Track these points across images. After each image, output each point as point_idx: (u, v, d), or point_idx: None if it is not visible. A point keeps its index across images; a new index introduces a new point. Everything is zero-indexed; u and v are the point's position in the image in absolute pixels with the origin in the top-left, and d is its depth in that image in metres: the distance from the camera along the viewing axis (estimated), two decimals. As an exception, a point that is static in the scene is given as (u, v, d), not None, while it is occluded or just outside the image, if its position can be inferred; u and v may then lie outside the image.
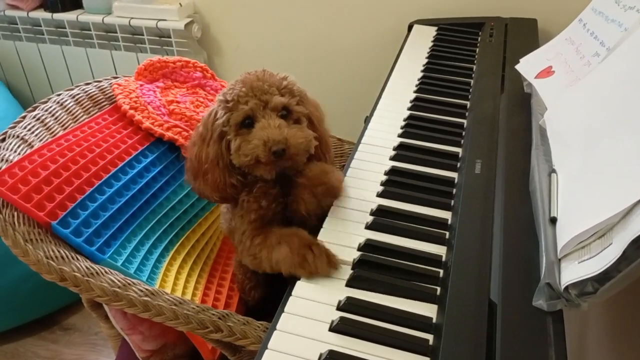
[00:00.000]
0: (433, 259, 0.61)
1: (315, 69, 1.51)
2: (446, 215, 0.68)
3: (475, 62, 1.08)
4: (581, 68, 0.74)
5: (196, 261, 0.88)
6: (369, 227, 0.66)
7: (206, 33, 1.55)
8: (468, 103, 0.93)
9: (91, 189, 0.78)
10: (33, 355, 1.40)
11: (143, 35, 1.52)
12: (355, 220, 0.67)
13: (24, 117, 0.81)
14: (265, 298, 0.86)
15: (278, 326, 0.53)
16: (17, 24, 1.63)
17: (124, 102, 0.91)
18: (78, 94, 0.90)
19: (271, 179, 0.70)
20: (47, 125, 0.82)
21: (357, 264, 0.60)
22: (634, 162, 0.50)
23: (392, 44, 1.27)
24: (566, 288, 0.48)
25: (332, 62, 1.49)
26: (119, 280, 0.66)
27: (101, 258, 0.72)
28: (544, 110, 0.73)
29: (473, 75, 1.03)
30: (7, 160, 0.72)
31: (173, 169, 0.92)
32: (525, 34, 1.14)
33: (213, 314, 0.66)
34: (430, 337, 0.52)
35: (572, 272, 0.49)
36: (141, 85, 0.97)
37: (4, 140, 0.76)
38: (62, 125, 0.84)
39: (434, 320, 0.54)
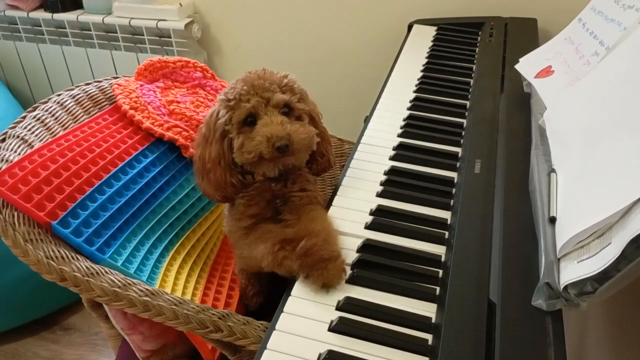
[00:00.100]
0: (432, 259, 0.61)
1: (315, 68, 1.51)
2: (446, 215, 0.68)
3: (475, 61, 1.08)
4: (581, 68, 0.74)
5: (196, 261, 0.88)
6: (368, 227, 0.66)
7: (206, 33, 1.56)
8: (468, 103, 0.93)
9: (91, 189, 0.77)
10: (33, 355, 1.40)
11: (143, 35, 1.52)
12: (354, 220, 0.67)
13: (24, 117, 0.81)
14: (265, 298, 0.86)
15: (277, 326, 0.53)
16: (17, 24, 1.63)
17: (124, 102, 0.91)
18: (78, 94, 0.90)
19: (267, 180, 0.71)
20: (47, 126, 0.82)
21: (356, 264, 0.60)
22: (634, 162, 0.50)
23: (392, 43, 1.27)
24: (565, 288, 0.48)
25: (332, 62, 1.49)
26: (119, 280, 0.66)
27: (101, 258, 0.72)
28: (544, 110, 0.73)
29: (473, 75, 1.03)
30: (7, 161, 0.72)
31: (173, 169, 0.92)
32: (525, 34, 1.14)
33: (213, 314, 0.66)
34: (429, 337, 0.52)
35: (572, 272, 0.49)
36: (141, 86, 0.97)
37: (4, 140, 0.76)
38: (62, 126, 0.84)
39: (433, 320, 0.54)
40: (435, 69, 1.06)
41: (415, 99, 0.95)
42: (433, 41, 1.19)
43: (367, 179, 0.75)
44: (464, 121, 0.88)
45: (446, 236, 0.65)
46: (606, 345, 0.71)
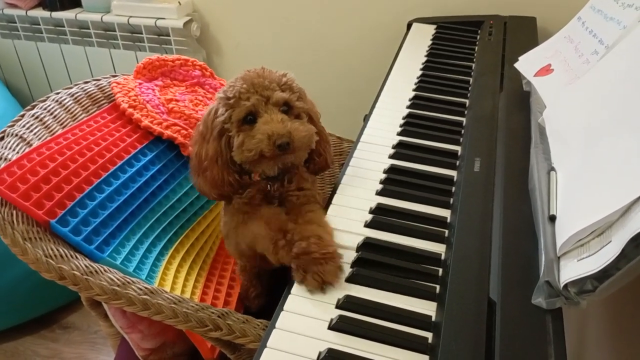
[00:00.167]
0: (432, 257, 0.61)
1: (314, 67, 1.51)
2: (445, 213, 0.68)
3: (475, 60, 1.08)
4: (580, 66, 0.74)
5: (195, 259, 0.88)
6: (368, 225, 0.66)
7: (205, 32, 1.55)
8: (467, 101, 0.93)
9: (90, 188, 0.77)
10: (33, 353, 1.40)
11: (142, 33, 1.52)
12: (354, 219, 0.67)
13: (22, 116, 0.81)
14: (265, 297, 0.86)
15: (277, 324, 0.53)
16: (15, 23, 1.63)
17: (122, 101, 0.91)
18: (77, 92, 0.90)
19: (264, 180, 0.71)
20: (46, 124, 0.82)
21: (356, 262, 0.60)
22: (633, 160, 0.50)
23: (391, 42, 1.27)
24: (565, 286, 0.48)
25: (331, 60, 1.49)
26: (118, 279, 0.66)
27: (100, 256, 0.72)
28: (543, 109, 0.73)
29: (472, 73, 1.03)
30: (5, 159, 0.72)
31: (172, 167, 0.92)
32: (525, 32, 1.14)
33: (212, 312, 0.66)
34: (429, 335, 0.52)
35: (571, 270, 0.49)
36: (140, 84, 0.97)
37: (2, 138, 0.76)
38: (61, 124, 0.84)
39: (433, 319, 0.54)
40: (434, 67, 1.06)
41: (415, 97, 0.95)
42: (432, 40, 1.19)
43: (366, 178, 0.75)
44: (464, 119, 0.88)
45: (446, 234, 0.65)
46: (606, 344, 0.71)
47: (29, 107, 0.83)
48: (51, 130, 0.82)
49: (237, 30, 1.54)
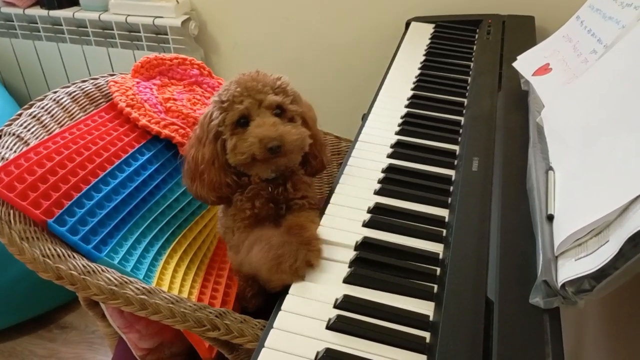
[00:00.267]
0: (430, 257, 0.61)
1: (312, 66, 1.51)
2: (443, 212, 0.68)
3: (473, 59, 1.08)
4: (578, 65, 0.74)
5: (193, 259, 0.88)
6: (366, 224, 0.66)
7: (203, 30, 1.55)
8: (465, 100, 0.93)
9: (88, 187, 0.77)
10: (30, 353, 1.39)
11: (140, 32, 1.52)
12: (352, 218, 0.67)
13: (20, 115, 0.80)
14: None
15: (275, 324, 0.53)
16: (13, 21, 1.62)
17: (120, 100, 0.91)
18: (74, 91, 0.90)
19: (264, 181, 0.71)
20: (43, 123, 0.81)
21: (354, 262, 0.60)
22: (631, 160, 0.50)
23: (390, 41, 1.27)
24: (563, 285, 0.48)
25: (329, 59, 1.49)
26: (115, 279, 0.66)
27: (98, 256, 0.72)
28: (541, 108, 0.73)
29: (470, 72, 1.03)
30: (3, 158, 0.71)
31: (170, 166, 0.92)
32: (523, 32, 1.13)
33: (210, 312, 0.66)
34: (427, 335, 0.52)
35: (569, 270, 0.49)
36: (138, 83, 0.96)
37: (-1, 137, 0.76)
38: (59, 123, 0.84)
39: (431, 318, 0.54)
40: (433, 66, 1.06)
41: (413, 96, 0.95)
42: (431, 39, 1.19)
43: (364, 177, 0.75)
44: (462, 119, 0.88)
45: (444, 234, 0.65)
46: (603, 343, 0.71)
47: (26, 106, 0.83)
48: (49, 129, 0.81)
49: (235, 29, 1.53)
